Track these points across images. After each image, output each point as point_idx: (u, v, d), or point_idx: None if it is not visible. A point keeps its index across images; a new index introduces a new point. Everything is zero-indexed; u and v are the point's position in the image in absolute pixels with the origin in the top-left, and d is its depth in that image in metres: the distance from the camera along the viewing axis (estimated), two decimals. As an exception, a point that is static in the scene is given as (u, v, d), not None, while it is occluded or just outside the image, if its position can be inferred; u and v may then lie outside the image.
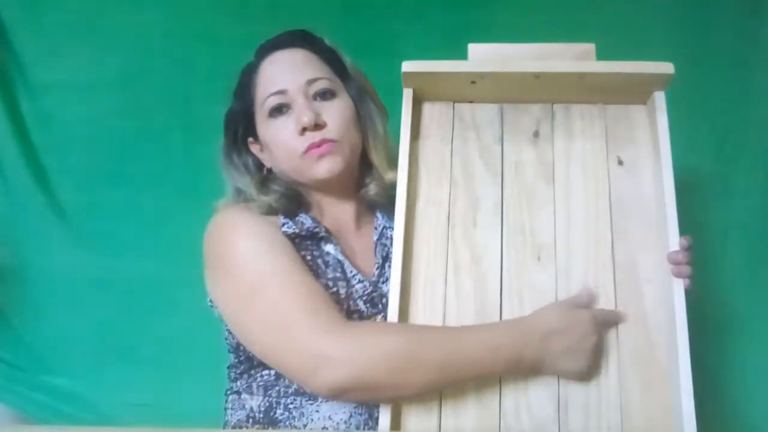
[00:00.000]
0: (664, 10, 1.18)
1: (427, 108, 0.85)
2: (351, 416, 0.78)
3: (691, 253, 0.74)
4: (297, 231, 0.80)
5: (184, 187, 1.04)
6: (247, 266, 0.75)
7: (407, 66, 0.81)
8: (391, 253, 0.81)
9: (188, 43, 1.17)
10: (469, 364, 0.68)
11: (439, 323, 0.75)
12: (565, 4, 1.19)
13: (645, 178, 0.80)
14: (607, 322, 0.74)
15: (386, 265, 0.84)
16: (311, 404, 0.78)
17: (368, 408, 0.77)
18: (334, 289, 0.78)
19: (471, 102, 0.86)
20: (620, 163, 0.82)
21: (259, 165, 0.90)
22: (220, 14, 1.19)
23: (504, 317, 0.75)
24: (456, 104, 0.86)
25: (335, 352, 0.66)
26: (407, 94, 0.83)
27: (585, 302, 0.74)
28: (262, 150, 0.89)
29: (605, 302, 0.75)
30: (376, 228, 0.90)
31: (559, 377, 0.72)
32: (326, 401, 0.77)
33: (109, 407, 1.10)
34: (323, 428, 0.76)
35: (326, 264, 0.80)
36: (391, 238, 0.79)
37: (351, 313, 0.78)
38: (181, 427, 0.67)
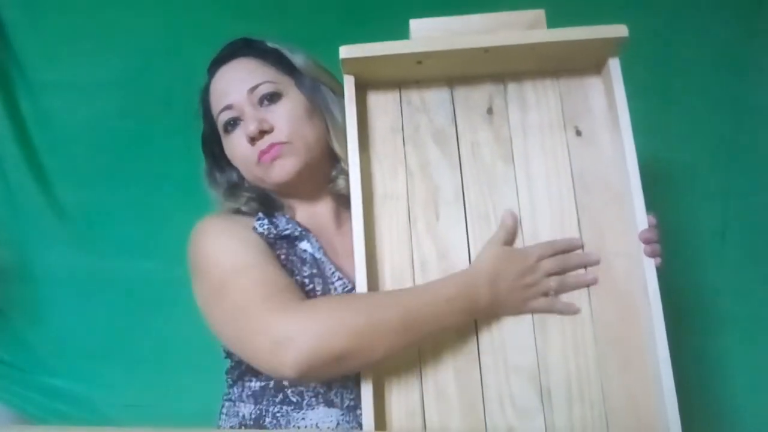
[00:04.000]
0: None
1: (372, 95, 0.79)
2: (338, 424, 0.76)
3: (659, 230, 0.73)
4: (268, 231, 0.80)
5: (184, 187, 0.99)
6: (212, 266, 0.76)
7: (346, 51, 0.74)
8: None
9: (188, 43, 1.15)
10: (427, 319, 0.69)
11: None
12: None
13: (605, 149, 0.77)
14: (542, 254, 0.73)
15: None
16: (297, 412, 0.77)
17: (355, 415, 0.76)
18: (311, 285, 0.77)
19: (417, 82, 0.80)
20: (578, 133, 0.79)
21: (243, 177, 0.90)
22: (220, 14, 1.18)
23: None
24: (402, 87, 0.80)
25: (293, 330, 0.65)
26: (349, 82, 0.76)
27: (511, 229, 0.74)
28: None
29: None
30: None
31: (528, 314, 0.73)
32: (312, 409, 0.76)
33: (109, 408, 1.11)
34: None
35: (303, 261, 0.80)
36: None
37: None
38: (180, 427, 0.72)
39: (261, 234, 0.79)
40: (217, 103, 0.86)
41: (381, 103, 0.79)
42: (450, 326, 0.71)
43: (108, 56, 1.18)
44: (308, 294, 0.76)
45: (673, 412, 0.67)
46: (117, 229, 1.16)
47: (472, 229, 0.76)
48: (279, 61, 0.87)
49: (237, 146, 0.85)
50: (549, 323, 0.73)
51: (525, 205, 0.76)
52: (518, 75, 0.80)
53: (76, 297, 1.14)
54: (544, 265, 0.73)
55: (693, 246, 1.09)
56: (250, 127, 0.81)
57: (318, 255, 0.81)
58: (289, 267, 0.78)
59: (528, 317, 0.73)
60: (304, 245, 0.82)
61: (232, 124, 0.85)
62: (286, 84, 0.85)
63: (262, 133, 0.82)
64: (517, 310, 0.73)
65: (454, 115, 0.79)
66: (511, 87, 0.80)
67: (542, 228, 0.76)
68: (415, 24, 0.77)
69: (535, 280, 0.72)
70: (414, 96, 0.80)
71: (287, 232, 0.81)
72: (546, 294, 0.73)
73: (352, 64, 0.74)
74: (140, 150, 1.17)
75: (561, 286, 0.73)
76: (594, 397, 0.71)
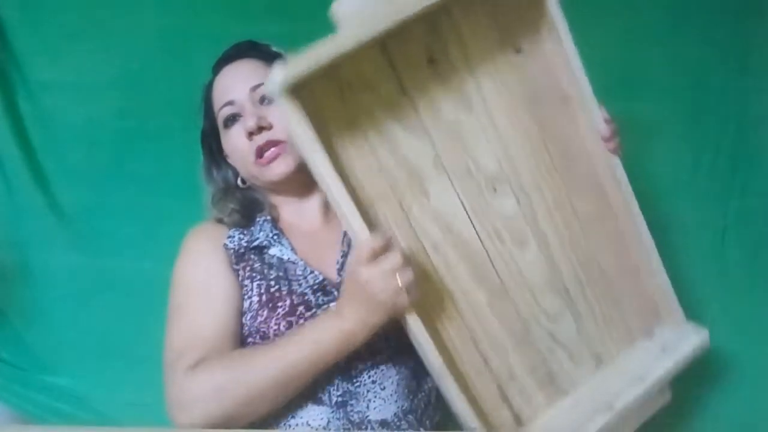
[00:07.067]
0: None
1: (308, 95, 0.66)
2: (329, 422, 0.77)
3: (615, 124, 0.79)
4: (237, 245, 0.86)
5: (184, 187, 0.99)
6: (173, 288, 0.84)
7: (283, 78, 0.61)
8: None
9: (188, 43, 1.17)
10: (302, 369, 0.72)
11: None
12: None
13: (548, 59, 0.77)
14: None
15: (352, 253, 0.80)
16: (286, 411, 0.78)
17: (345, 412, 0.78)
18: (276, 287, 0.83)
19: (351, 58, 0.68)
20: (519, 51, 0.76)
21: (237, 175, 0.94)
22: (220, 14, 1.19)
23: (495, 260, 0.78)
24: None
25: (186, 400, 0.73)
26: (296, 112, 0.64)
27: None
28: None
29: (559, 196, 0.80)
30: None
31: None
32: (300, 408, 0.78)
33: (109, 407, 1.12)
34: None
35: (270, 266, 0.85)
36: None
37: (298, 305, 0.80)
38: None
39: (231, 249, 0.85)
40: (219, 98, 0.89)
41: (329, 102, 0.69)
42: (330, 362, 0.73)
43: (108, 56, 1.18)
44: (274, 294, 0.80)
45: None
46: (116, 229, 1.16)
47: (463, 191, 0.76)
48: None
49: (235, 141, 0.88)
50: (546, 234, 0.80)
51: (496, 146, 0.77)
52: (448, 10, 0.72)
53: (76, 296, 1.15)
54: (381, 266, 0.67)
55: (695, 245, 1.16)
56: (249, 122, 0.85)
57: (286, 257, 0.85)
58: (256, 273, 0.84)
59: (529, 238, 0.79)
60: (273, 251, 0.86)
61: (232, 119, 0.88)
62: None
63: (261, 129, 0.85)
64: (388, 314, 0.69)
65: (399, 79, 0.72)
66: (445, 27, 0.72)
67: (519, 163, 0.78)
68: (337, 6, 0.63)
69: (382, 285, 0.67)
70: (352, 76, 0.69)
71: (256, 243, 0.86)
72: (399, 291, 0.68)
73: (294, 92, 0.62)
74: (139, 150, 1.18)
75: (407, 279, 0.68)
76: (596, 276, 0.83)
